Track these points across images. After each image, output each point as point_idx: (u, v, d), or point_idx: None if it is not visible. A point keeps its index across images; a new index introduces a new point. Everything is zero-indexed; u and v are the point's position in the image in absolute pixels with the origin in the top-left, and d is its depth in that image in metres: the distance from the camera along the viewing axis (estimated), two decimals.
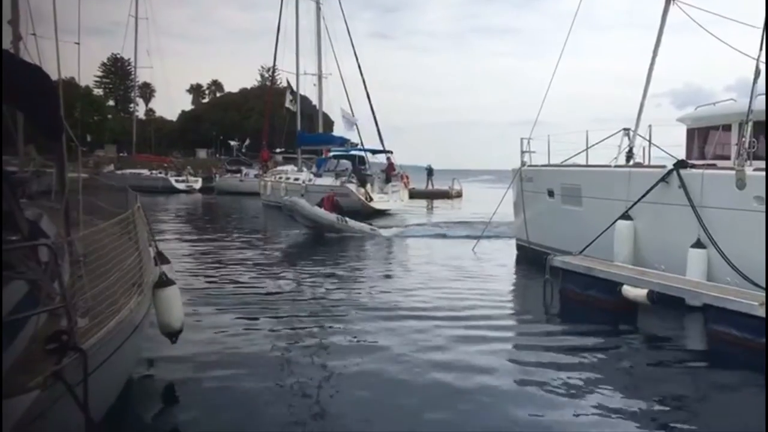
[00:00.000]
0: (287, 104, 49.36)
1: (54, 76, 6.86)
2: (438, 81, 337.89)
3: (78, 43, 8.35)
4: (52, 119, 5.92)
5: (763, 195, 10.56)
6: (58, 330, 4.58)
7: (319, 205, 24.39)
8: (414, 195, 52.34)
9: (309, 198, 37.56)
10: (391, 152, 41.77)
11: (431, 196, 53.98)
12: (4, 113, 9.37)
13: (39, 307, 5.03)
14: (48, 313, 5.08)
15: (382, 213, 35.28)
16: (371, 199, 36.05)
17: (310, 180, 39.66)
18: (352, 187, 36.08)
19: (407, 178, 41.85)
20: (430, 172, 59.11)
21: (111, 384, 5.90)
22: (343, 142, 42.85)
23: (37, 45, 8.12)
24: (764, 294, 9.53)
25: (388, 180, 39.06)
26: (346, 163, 40.27)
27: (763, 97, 11.60)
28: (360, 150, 41.91)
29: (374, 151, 41.93)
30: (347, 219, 23.79)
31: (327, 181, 37.97)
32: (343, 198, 35.57)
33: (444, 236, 24.33)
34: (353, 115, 44.44)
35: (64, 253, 5.81)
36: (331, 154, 42.82)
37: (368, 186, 36.98)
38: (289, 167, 49.35)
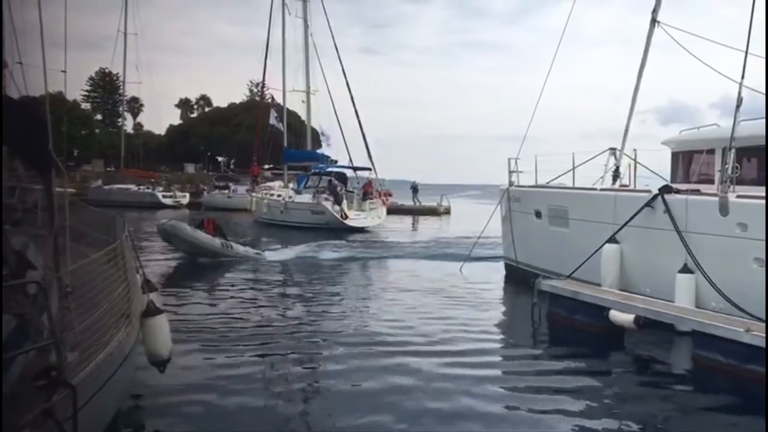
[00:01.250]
0: (271, 121, 49.53)
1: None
2: (426, 96, 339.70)
3: (65, 72, 8.33)
4: (40, 153, 5.92)
5: (746, 221, 10.70)
6: (47, 366, 4.56)
7: (199, 227, 21.99)
8: (400, 211, 52.95)
9: (290, 215, 37.96)
10: (370, 169, 41.91)
11: (416, 212, 54.22)
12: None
13: (28, 342, 5.01)
14: (37, 349, 5.06)
15: (358, 231, 35.15)
16: (346, 217, 36.09)
17: (290, 197, 39.94)
18: (328, 204, 36.21)
19: (386, 195, 41.79)
20: (415, 189, 59.39)
21: (100, 417, 5.88)
22: (324, 159, 42.96)
23: (23, 74, 8.10)
24: (749, 320, 9.66)
25: (365, 197, 39.10)
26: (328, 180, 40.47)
27: (746, 123, 11.80)
28: (339, 167, 42.04)
29: (355, 168, 42.04)
30: (232, 243, 22.23)
31: (305, 198, 38.35)
32: (319, 216, 35.72)
33: (354, 258, 23.36)
34: (324, 134, 44.87)
35: (52, 287, 5.80)
36: (310, 171, 43.05)
37: (344, 203, 36.99)
38: (277, 183, 49.39)
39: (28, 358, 4.96)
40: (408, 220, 48.05)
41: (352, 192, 39.54)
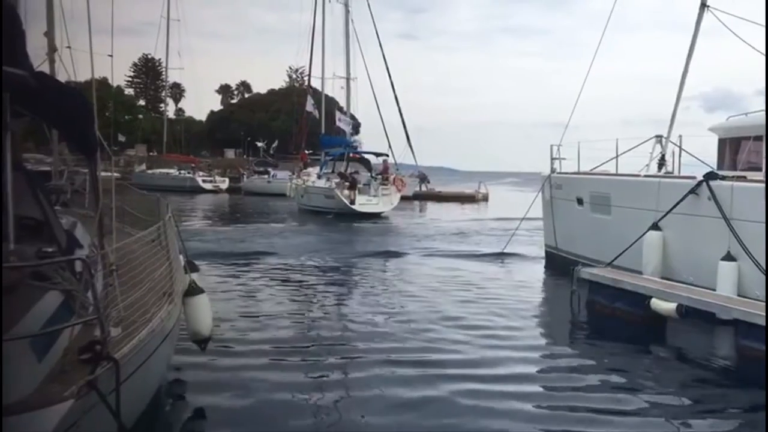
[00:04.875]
0: (308, 107, 49.96)
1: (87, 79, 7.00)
2: (464, 82, 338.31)
3: (111, 56, 8.49)
4: (87, 137, 6.04)
5: None
6: (91, 340, 4.65)
7: None
8: (436, 198, 53.45)
9: (309, 199, 38.84)
10: (387, 155, 42.47)
11: (453, 199, 55.25)
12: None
13: (74, 317, 5.12)
14: (82, 324, 5.17)
15: (368, 216, 35.01)
16: (353, 202, 36.21)
17: (312, 182, 41.07)
18: (338, 189, 36.55)
19: (402, 181, 41.88)
20: (422, 178, 59.48)
21: (142, 392, 5.99)
22: (348, 144, 43.30)
23: (72, 57, 8.29)
24: None
25: (384, 182, 39.25)
26: (357, 166, 41.10)
27: None
28: (358, 153, 42.44)
29: (377, 154, 42.68)
30: None
31: (321, 182, 39.24)
32: (330, 200, 36.33)
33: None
34: (342, 118, 45.25)
35: (97, 265, 5.92)
36: (329, 156, 43.41)
37: (356, 188, 37.30)
38: (314, 169, 49.85)
39: (72, 332, 5.06)
40: (444, 206, 48.04)
41: (376, 178, 39.66)
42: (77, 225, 7.62)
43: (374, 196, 37.87)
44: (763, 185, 10.95)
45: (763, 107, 14.44)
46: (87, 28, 7.33)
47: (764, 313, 9.25)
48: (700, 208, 12.19)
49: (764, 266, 10.73)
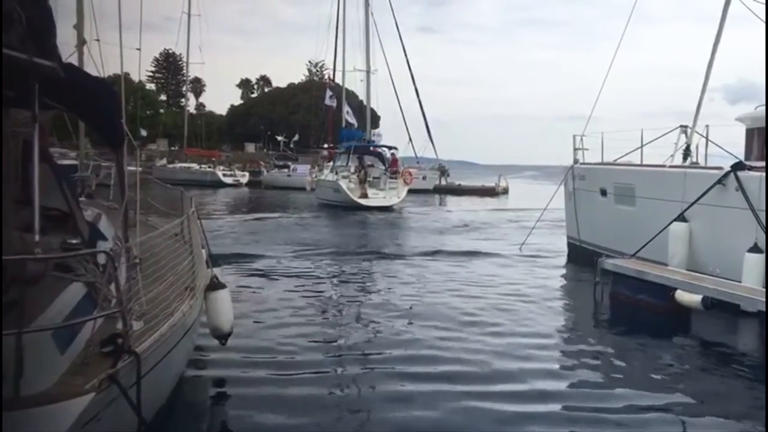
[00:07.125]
0: (327, 101, 50.17)
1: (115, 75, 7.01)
2: (483, 75, 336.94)
3: (139, 49, 8.51)
4: (114, 129, 6.04)
5: None
6: (113, 333, 4.65)
7: None
8: (456, 191, 53.31)
9: (322, 193, 39.47)
10: (396, 148, 43.26)
11: (473, 193, 55.18)
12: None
13: (96, 310, 5.12)
14: (104, 317, 5.17)
15: (376, 209, 35.06)
16: (365, 195, 36.43)
17: (325, 176, 41.73)
18: (343, 183, 36.82)
19: (410, 174, 41.75)
20: (443, 171, 59.12)
21: (163, 385, 5.99)
22: (359, 137, 43.40)
23: (101, 50, 8.30)
24: None
25: (394, 174, 39.49)
26: (373, 159, 41.31)
27: None
28: (368, 146, 42.85)
29: (387, 147, 43.16)
30: None
31: (330, 176, 39.85)
32: (337, 193, 36.67)
33: None
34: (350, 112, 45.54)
35: (121, 258, 5.91)
36: (340, 150, 43.65)
37: (367, 181, 37.60)
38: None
39: (95, 324, 5.06)
40: (464, 199, 47.84)
41: (387, 171, 39.77)
42: (102, 217, 7.64)
43: (381, 189, 38.09)
44: None
45: None
46: (114, 22, 7.35)
47: None
48: (727, 199, 12.00)
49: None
